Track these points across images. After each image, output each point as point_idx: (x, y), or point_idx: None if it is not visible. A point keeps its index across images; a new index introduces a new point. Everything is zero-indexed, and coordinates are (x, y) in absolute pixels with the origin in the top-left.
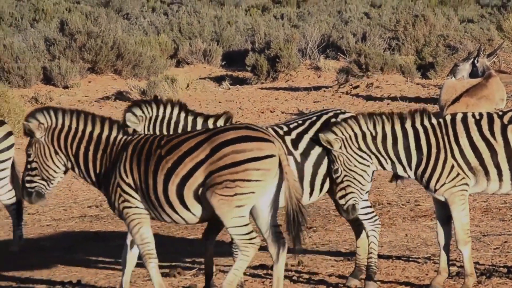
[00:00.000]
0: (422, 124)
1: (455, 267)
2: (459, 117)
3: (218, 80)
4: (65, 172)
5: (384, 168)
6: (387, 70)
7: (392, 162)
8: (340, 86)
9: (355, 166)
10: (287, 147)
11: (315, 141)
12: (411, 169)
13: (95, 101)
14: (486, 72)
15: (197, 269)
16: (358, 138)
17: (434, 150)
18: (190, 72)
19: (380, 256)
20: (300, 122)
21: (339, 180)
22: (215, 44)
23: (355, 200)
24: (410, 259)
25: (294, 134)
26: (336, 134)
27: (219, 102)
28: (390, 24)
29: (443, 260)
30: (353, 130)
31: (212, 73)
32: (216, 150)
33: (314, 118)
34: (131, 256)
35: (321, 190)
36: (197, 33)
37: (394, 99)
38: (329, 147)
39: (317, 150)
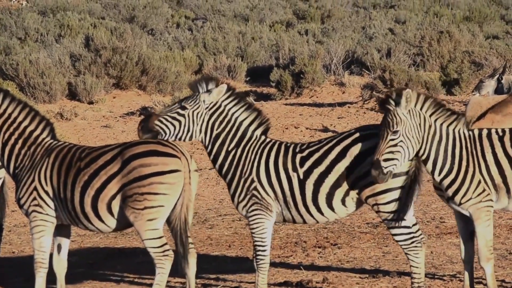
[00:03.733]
0: (463, 132)
1: (481, 284)
2: (484, 132)
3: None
4: None
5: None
6: (412, 86)
7: (428, 158)
8: (364, 102)
9: (413, 137)
10: (294, 164)
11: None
12: (439, 174)
13: (120, 116)
14: (511, 88)
15: (221, 286)
16: (421, 117)
17: (464, 163)
18: None
19: (404, 274)
20: (323, 140)
21: (392, 143)
22: (240, 60)
23: (394, 168)
24: (436, 276)
25: (306, 152)
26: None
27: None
28: (415, 40)
29: (467, 277)
30: (415, 107)
31: (237, 89)
32: (126, 163)
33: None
34: (60, 259)
35: (331, 208)
36: (221, 48)
37: None
38: (404, 103)
39: (319, 169)
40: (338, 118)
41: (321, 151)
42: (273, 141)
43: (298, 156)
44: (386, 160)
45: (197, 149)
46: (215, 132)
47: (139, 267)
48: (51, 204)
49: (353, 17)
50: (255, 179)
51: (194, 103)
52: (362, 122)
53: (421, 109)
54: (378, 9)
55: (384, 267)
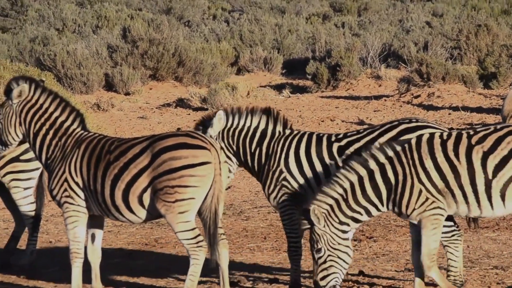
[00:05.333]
0: (387, 157)
1: None
2: (424, 138)
3: (279, 88)
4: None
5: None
6: (449, 80)
7: (367, 210)
8: (401, 96)
9: (339, 243)
10: (332, 153)
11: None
12: (383, 205)
13: (156, 107)
14: None
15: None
16: (336, 206)
17: (401, 178)
18: (251, 80)
19: (440, 268)
20: (361, 130)
21: (321, 260)
22: (276, 52)
23: (336, 281)
24: (472, 270)
25: (344, 142)
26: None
27: (279, 110)
28: (452, 33)
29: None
30: (328, 202)
31: (273, 81)
32: (156, 156)
33: (378, 129)
34: (94, 249)
35: None
36: (258, 41)
37: (455, 109)
38: (316, 223)
39: None
40: (374, 111)
41: (362, 141)
42: (301, 132)
43: (335, 146)
44: (322, 278)
45: None
46: (234, 147)
47: (174, 257)
48: (82, 195)
49: (390, 10)
50: (284, 170)
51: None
52: (398, 115)
53: None
54: (415, 2)
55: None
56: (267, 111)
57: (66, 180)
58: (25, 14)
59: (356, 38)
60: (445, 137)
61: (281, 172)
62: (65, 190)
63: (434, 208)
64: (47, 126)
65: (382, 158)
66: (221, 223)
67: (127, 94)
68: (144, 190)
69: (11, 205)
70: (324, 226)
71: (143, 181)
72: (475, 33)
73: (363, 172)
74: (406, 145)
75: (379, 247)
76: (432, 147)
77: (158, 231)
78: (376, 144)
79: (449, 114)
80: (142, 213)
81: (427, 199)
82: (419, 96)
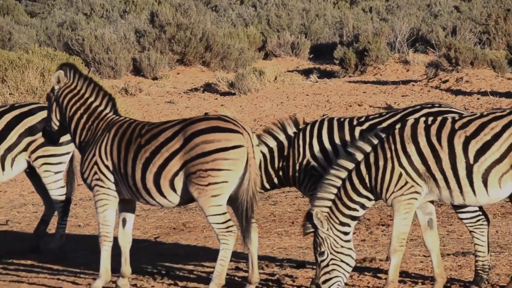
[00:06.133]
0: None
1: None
2: (409, 123)
3: (306, 73)
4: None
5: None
6: (478, 65)
7: (361, 204)
8: (429, 80)
9: (342, 246)
10: (354, 138)
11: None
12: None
13: (184, 92)
14: None
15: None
16: (334, 207)
17: (381, 163)
18: (278, 65)
19: (468, 253)
20: (384, 114)
21: (324, 263)
22: (303, 37)
23: (339, 285)
24: (501, 255)
25: (366, 125)
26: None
27: (307, 95)
28: (481, 18)
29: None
30: (327, 205)
31: (300, 66)
32: (188, 140)
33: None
34: (124, 233)
35: None
36: (285, 25)
37: (484, 94)
38: (319, 226)
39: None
40: (402, 96)
41: (384, 124)
42: (320, 119)
43: (358, 129)
44: (324, 282)
45: (260, 126)
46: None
47: (202, 241)
48: (112, 178)
49: None
50: (311, 159)
51: None
52: (426, 100)
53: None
54: None
55: (448, 246)
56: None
57: (96, 163)
58: None
59: (384, 23)
60: (429, 122)
61: (308, 162)
62: (95, 173)
63: (411, 193)
64: (82, 110)
65: (368, 148)
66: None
67: (154, 78)
68: (176, 174)
69: (41, 189)
70: (327, 230)
71: (175, 164)
72: (504, 18)
73: (351, 166)
74: (391, 131)
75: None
76: (415, 131)
77: (186, 215)
78: (363, 135)
79: (478, 99)
80: (173, 197)
81: (406, 183)
82: (447, 81)
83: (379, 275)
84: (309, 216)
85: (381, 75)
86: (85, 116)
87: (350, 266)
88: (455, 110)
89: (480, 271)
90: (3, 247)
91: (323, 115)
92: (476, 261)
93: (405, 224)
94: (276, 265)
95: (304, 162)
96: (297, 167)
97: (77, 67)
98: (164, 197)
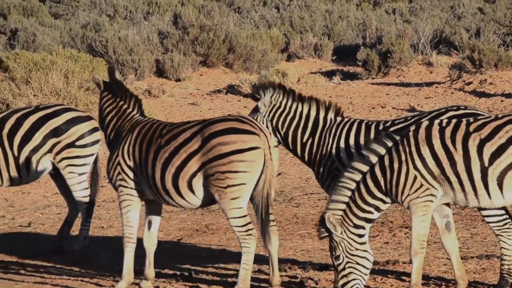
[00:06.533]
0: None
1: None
2: (424, 125)
3: (329, 74)
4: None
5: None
6: (501, 67)
7: (376, 206)
8: (452, 82)
9: (357, 249)
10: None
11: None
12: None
13: (207, 94)
14: None
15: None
16: (348, 209)
17: (396, 165)
18: (301, 67)
19: (493, 256)
20: (409, 117)
21: (340, 267)
22: (326, 39)
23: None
24: None
25: (392, 130)
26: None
27: (330, 96)
28: (505, 19)
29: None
30: (340, 208)
31: (323, 68)
32: (206, 141)
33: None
34: (150, 236)
35: None
36: (308, 27)
37: (508, 96)
38: (333, 230)
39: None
40: (426, 98)
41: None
42: (352, 120)
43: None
44: (343, 286)
45: None
46: (282, 132)
47: (225, 243)
48: (135, 178)
49: None
50: (336, 159)
51: (254, 115)
52: (450, 102)
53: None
54: None
55: (472, 248)
56: (317, 98)
57: (119, 163)
58: (77, 1)
59: (407, 25)
60: (444, 124)
61: (333, 161)
62: (119, 173)
63: (427, 195)
64: (113, 113)
65: (382, 151)
66: (272, 210)
67: (177, 80)
68: (194, 175)
69: (65, 190)
70: (341, 233)
71: (193, 165)
72: None
73: (365, 168)
74: (405, 133)
75: (430, 235)
76: (429, 134)
77: (209, 217)
78: (376, 137)
79: (502, 101)
80: (192, 198)
81: (421, 185)
82: (471, 83)
83: (402, 277)
84: (322, 220)
85: (404, 77)
86: (115, 118)
87: (367, 268)
88: (480, 112)
89: (505, 275)
90: (27, 249)
91: (347, 117)
92: (502, 264)
93: (423, 226)
94: (299, 267)
95: (329, 161)
96: (322, 165)
97: (113, 71)
98: (183, 198)
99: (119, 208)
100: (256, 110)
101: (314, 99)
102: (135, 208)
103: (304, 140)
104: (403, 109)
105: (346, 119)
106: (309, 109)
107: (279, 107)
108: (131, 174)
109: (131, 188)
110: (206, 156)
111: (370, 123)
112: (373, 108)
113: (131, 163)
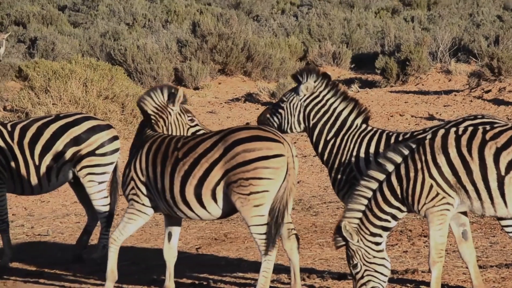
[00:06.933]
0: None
1: None
2: (440, 133)
3: (347, 82)
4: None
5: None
6: None
7: (392, 215)
8: (471, 90)
9: (374, 257)
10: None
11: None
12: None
13: (225, 102)
14: None
15: (326, 273)
16: (364, 218)
17: (412, 174)
18: None
19: None
20: (427, 129)
21: (359, 276)
22: (345, 47)
23: None
24: None
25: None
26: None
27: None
28: None
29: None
30: (357, 216)
31: (341, 76)
32: (229, 149)
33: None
34: (170, 247)
35: None
36: (326, 35)
37: None
38: (349, 238)
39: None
40: (444, 106)
41: None
42: (374, 129)
43: None
44: None
45: (301, 136)
46: (311, 122)
47: (243, 252)
48: (148, 193)
49: (460, 3)
50: (354, 168)
51: (290, 95)
52: (469, 110)
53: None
54: None
55: (491, 257)
56: (356, 100)
57: (133, 178)
58: (96, 9)
59: (425, 33)
60: (460, 133)
61: (351, 170)
62: (132, 188)
63: (443, 204)
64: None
65: (398, 159)
66: (291, 218)
67: (196, 88)
68: (217, 184)
69: (85, 199)
70: (357, 241)
71: (216, 174)
72: None
73: (382, 177)
74: (421, 142)
75: (449, 244)
76: (445, 142)
77: (227, 226)
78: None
79: None
80: (213, 208)
81: (437, 194)
82: (490, 91)
83: (421, 287)
84: (338, 229)
85: (423, 85)
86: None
87: (386, 276)
88: (499, 121)
89: None
90: (46, 258)
91: (366, 126)
92: None
93: (440, 235)
94: (317, 276)
95: (348, 169)
96: (340, 173)
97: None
98: (204, 208)
99: (123, 215)
100: (294, 90)
101: (353, 99)
102: (136, 224)
103: (329, 138)
104: (422, 117)
105: (369, 128)
106: (344, 108)
107: (317, 96)
108: (144, 190)
109: (142, 204)
110: (229, 163)
111: (390, 133)
112: (392, 116)
113: (144, 179)
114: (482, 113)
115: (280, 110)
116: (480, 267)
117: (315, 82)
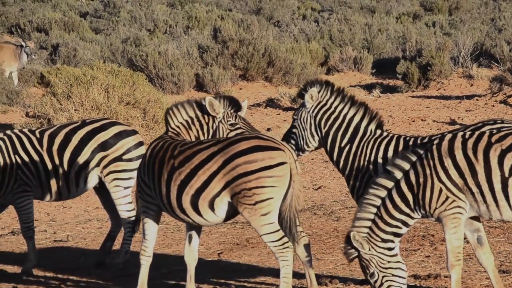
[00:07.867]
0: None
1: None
2: (447, 137)
3: (369, 88)
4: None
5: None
6: None
7: (403, 221)
8: (493, 95)
9: (389, 262)
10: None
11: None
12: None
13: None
14: None
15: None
16: (374, 226)
17: (422, 180)
18: (341, 80)
19: None
20: (445, 134)
21: (378, 284)
22: (366, 52)
23: None
24: None
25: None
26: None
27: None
28: None
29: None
30: (366, 225)
31: (363, 81)
32: (229, 161)
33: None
34: (190, 250)
35: None
36: (347, 40)
37: None
38: (360, 248)
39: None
40: (466, 111)
41: None
42: (391, 135)
43: None
44: None
45: None
46: (323, 131)
47: (265, 257)
48: (154, 195)
49: (482, 8)
50: (373, 173)
51: (299, 111)
52: (491, 115)
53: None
54: (508, 1)
55: None
56: (365, 104)
57: (139, 180)
58: (117, 16)
59: (447, 37)
60: (467, 136)
61: (370, 176)
62: (141, 189)
63: (454, 207)
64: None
65: (407, 166)
66: (299, 222)
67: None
68: (217, 195)
69: (109, 204)
70: (369, 250)
71: (215, 186)
72: None
73: (390, 184)
74: (429, 147)
75: (471, 248)
76: (452, 145)
77: (249, 230)
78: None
79: None
80: (210, 216)
81: (447, 198)
82: None
83: None
84: (348, 240)
85: (444, 90)
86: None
87: (404, 278)
88: None
89: None
90: (69, 263)
91: (386, 131)
92: None
93: (456, 238)
94: (339, 281)
95: (366, 175)
96: (358, 179)
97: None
98: (201, 216)
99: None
100: (301, 106)
101: (362, 104)
102: (152, 223)
103: (343, 145)
104: (444, 122)
105: (385, 133)
106: (355, 114)
107: (325, 104)
108: (147, 191)
109: (150, 203)
110: (230, 175)
111: (408, 138)
112: (413, 121)
113: (147, 181)
114: (503, 118)
115: (294, 130)
116: (503, 272)
117: (319, 91)
